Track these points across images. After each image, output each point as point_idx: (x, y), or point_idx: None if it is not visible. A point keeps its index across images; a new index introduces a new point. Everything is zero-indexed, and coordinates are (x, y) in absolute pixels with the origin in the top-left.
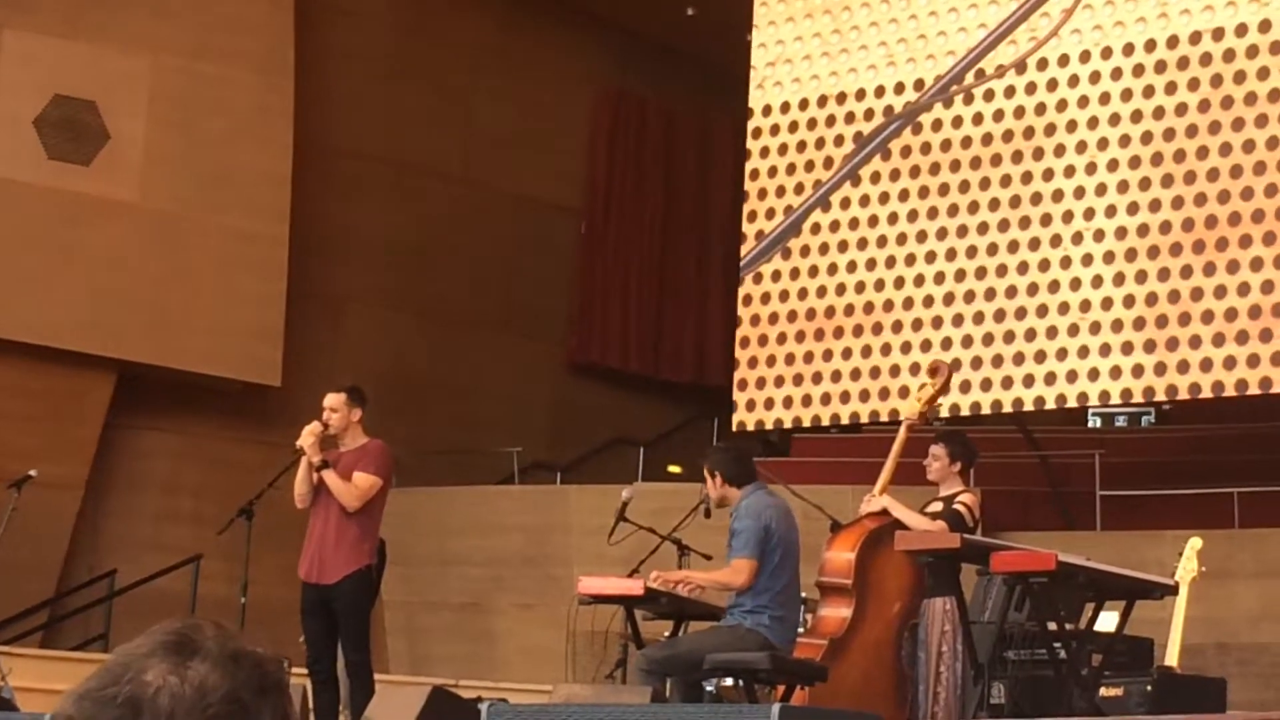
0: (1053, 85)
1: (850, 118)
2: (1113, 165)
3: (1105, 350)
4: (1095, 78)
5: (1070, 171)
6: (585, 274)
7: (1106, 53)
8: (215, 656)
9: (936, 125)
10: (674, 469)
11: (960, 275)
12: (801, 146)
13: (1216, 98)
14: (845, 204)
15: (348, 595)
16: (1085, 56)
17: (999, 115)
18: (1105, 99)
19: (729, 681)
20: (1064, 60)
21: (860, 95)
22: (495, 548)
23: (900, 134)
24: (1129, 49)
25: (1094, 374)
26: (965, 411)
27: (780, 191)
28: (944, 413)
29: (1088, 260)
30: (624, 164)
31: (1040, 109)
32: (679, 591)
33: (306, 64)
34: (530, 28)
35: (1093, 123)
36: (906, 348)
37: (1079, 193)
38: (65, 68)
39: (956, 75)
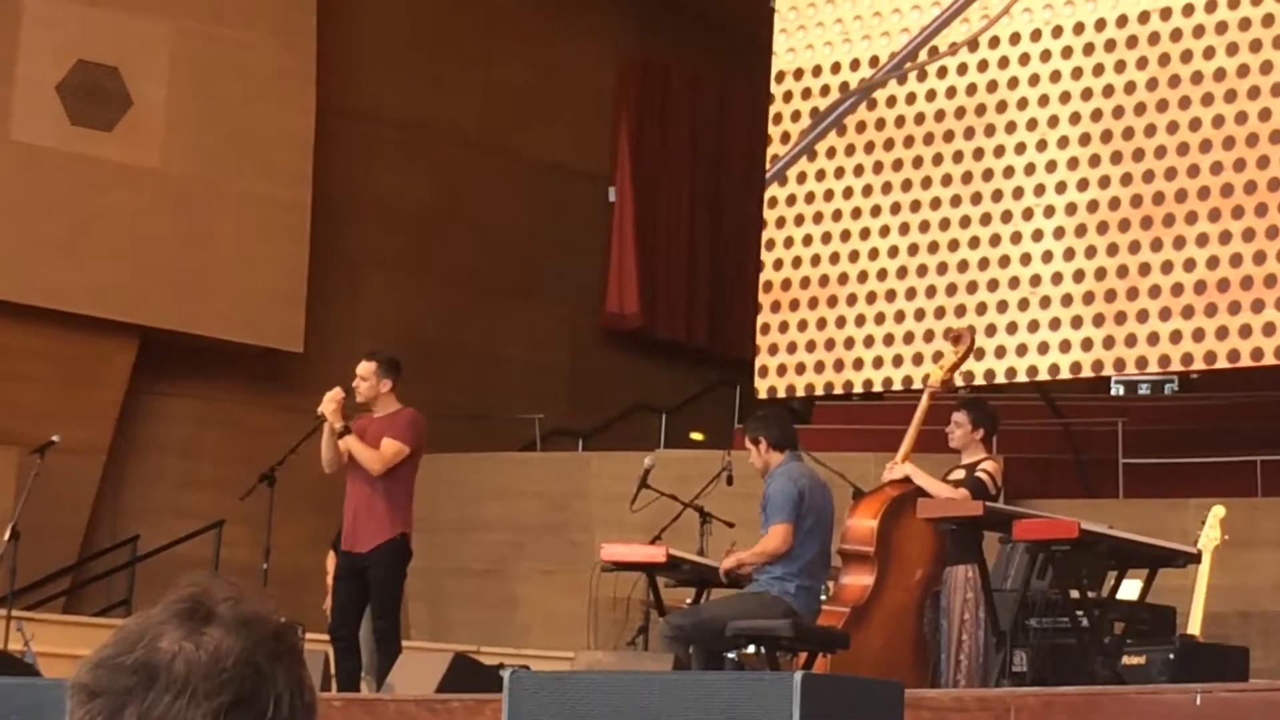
0: (1004, 63)
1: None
2: (1063, 142)
3: (1055, 324)
4: (1045, 56)
5: (1021, 148)
6: (608, 240)
7: (1057, 31)
8: (229, 622)
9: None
10: (696, 436)
11: (934, 247)
12: (814, 113)
13: (1164, 76)
14: (859, 171)
15: (380, 563)
16: (1036, 35)
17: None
18: (1055, 77)
19: (751, 649)
20: (1015, 38)
21: (873, 63)
22: (517, 514)
23: (854, 110)
24: (1079, 27)
25: (1044, 348)
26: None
27: (797, 156)
28: (974, 379)
29: (1038, 236)
30: (648, 129)
31: (992, 86)
32: (744, 574)
33: (328, 27)
34: None
35: (1043, 100)
36: (937, 313)
37: (1029, 169)
38: (87, 33)
39: (911, 52)
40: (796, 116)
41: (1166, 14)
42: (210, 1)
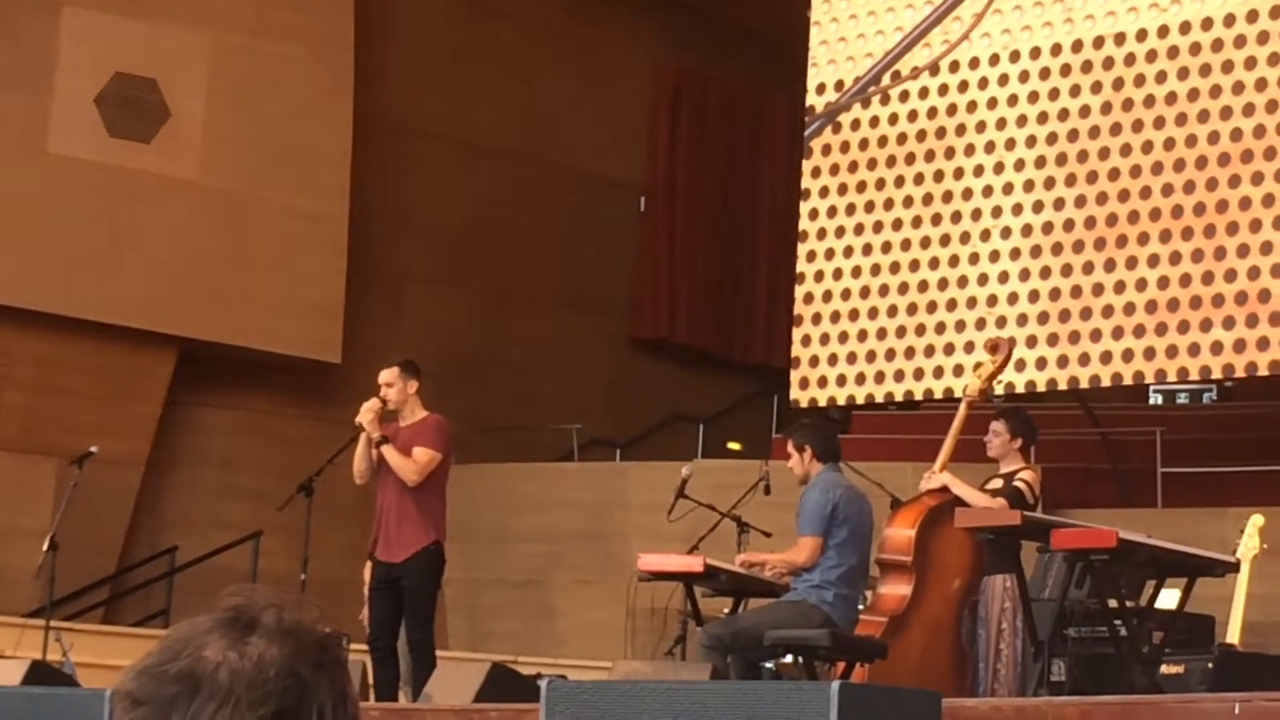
0: (963, 87)
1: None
2: (1019, 165)
3: (971, 348)
4: (1004, 80)
5: (979, 171)
6: (646, 250)
7: (1014, 56)
8: (273, 632)
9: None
10: (733, 446)
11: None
12: (855, 125)
13: (1118, 100)
14: (900, 182)
15: (415, 573)
16: (994, 60)
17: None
18: (1013, 101)
19: (788, 659)
20: (974, 63)
21: (954, 67)
22: (554, 524)
23: (821, 133)
24: (1036, 52)
25: (960, 370)
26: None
27: (834, 170)
28: (1014, 389)
29: (994, 257)
30: (685, 141)
31: (952, 109)
32: (763, 574)
33: (366, 41)
34: (591, 4)
35: (1001, 123)
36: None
37: (987, 191)
38: (126, 45)
39: (875, 76)
40: (837, 128)
41: (1120, 39)
42: (249, 14)
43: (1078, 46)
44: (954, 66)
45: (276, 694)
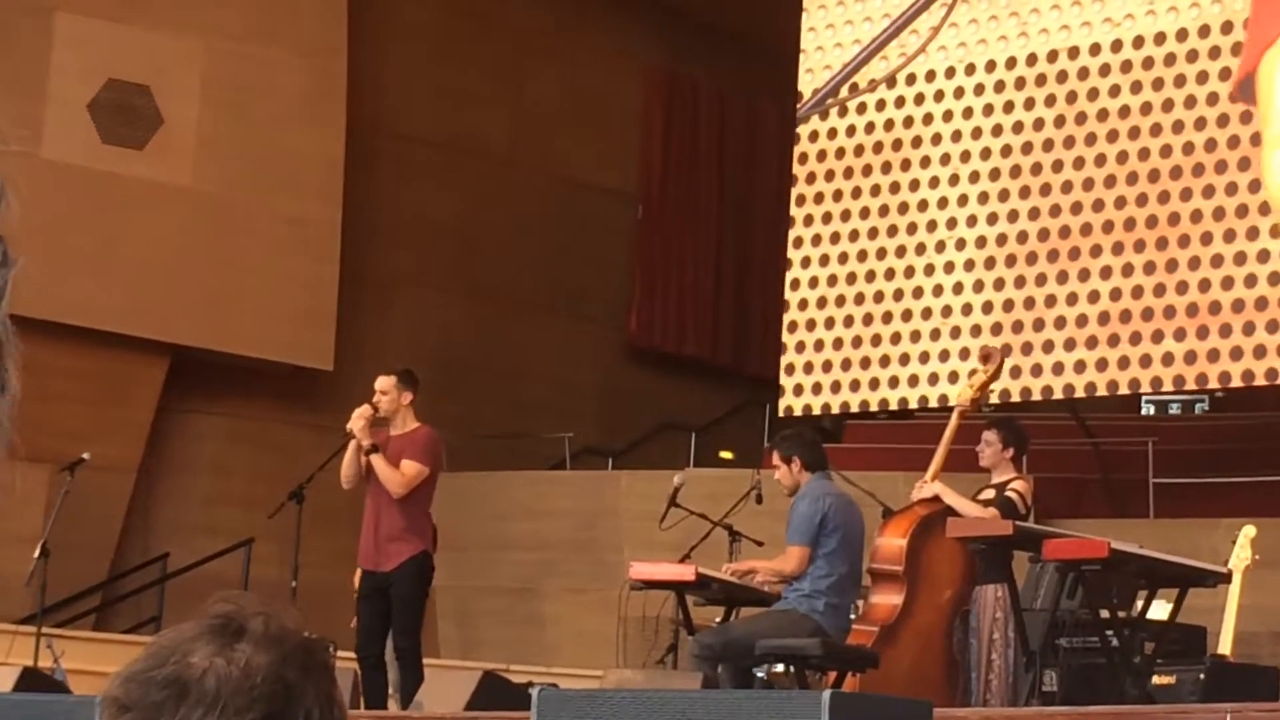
0: (920, 99)
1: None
2: (974, 177)
3: (965, 354)
4: (959, 93)
5: (935, 182)
6: (639, 257)
7: (970, 69)
8: (261, 638)
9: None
10: (725, 455)
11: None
12: (851, 131)
13: (1071, 113)
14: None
15: (404, 581)
16: (950, 72)
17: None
18: (968, 113)
19: (780, 668)
20: (931, 76)
21: (910, 80)
22: (546, 532)
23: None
24: (991, 65)
25: (954, 377)
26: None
27: (830, 176)
28: (1010, 398)
29: (949, 268)
30: (677, 147)
31: (908, 121)
32: (750, 582)
33: (358, 46)
34: (580, 9)
35: (956, 136)
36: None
37: (943, 203)
38: (119, 52)
39: (833, 88)
40: (833, 134)
41: (1074, 53)
42: (241, 20)
43: (1032, 60)
44: (910, 79)
45: (263, 699)
